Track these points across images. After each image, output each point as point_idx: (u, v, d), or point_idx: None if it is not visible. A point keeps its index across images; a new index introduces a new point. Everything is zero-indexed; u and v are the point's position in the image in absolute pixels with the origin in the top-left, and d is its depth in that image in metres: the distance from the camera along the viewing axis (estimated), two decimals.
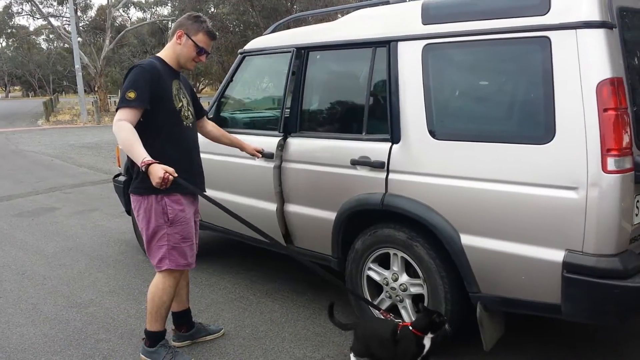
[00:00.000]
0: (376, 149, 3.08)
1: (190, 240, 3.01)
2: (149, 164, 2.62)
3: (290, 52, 3.64)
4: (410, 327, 2.70)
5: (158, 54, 3.04)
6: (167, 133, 2.91)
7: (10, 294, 4.21)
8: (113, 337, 3.43)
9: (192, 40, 2.96)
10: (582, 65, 2.37)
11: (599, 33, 2.35)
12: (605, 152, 2.30)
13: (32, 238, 5.75)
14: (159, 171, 2.62)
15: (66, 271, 4.69)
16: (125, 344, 3.34)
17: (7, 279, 4.54)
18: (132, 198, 2.96)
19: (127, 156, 2.88)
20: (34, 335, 3.50)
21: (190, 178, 2.91)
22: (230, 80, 4.30)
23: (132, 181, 2.94)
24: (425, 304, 2.98)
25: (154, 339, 3.06)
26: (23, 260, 5.02)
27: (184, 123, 3.00)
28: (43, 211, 7.01)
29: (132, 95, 2.73)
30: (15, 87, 77.93)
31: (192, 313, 3.57)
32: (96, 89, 33.31)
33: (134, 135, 2.69)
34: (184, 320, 3.33)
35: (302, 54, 3.57)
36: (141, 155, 2.66)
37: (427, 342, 2.68)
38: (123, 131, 2.69)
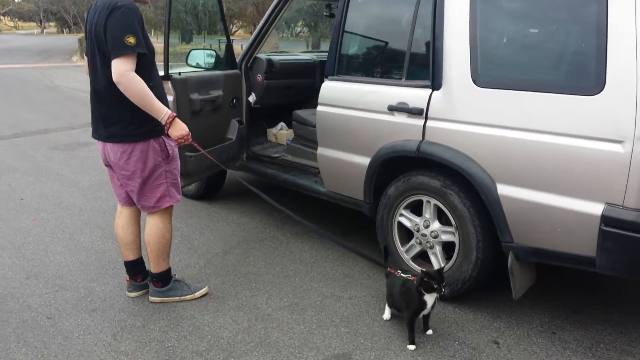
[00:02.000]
0: (415, 95, 3.03)
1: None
2: (174, 117, 2.74)
3: None
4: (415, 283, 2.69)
5: None
6: (155, 76, 2.84)
7: (48, 223, 4.34)
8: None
9: None
10: (638, 15, 2.26)
11: None
12: None
13: (67, 171, 5.89)
14: (184, 127, 2.80)
15: (101, 204, 4.81)
16: None
17: (45, 208, 4.68)
18: (120, 146, 2.79)
19: (98, 105, 2.80)
20: (71, 262, 3.63)
21: None
22: (269, 20, 4.23)
23: (119, 129, 2.76)
24: (456, 251, 2.99)
25: (165, 277, 3.11)
26: (59, 191, 5.16)
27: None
28: (78, 145, 7.14)
29: (132, 40, 2.57)
30: (51, 24, 78.22)
31: (224, 250, 3.66)
32: None
33: (147, 87, 2.64)
34: (139, 269, 3.21)
35: None
36: (163, 109, 2.70)
37: (428, 299, 2.66)
38: (136, 84, 2.60)
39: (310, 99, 4.64)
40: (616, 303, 3.15)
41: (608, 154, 2.35)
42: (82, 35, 35.43)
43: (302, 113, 4.29)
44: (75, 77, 16.46)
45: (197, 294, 3.15)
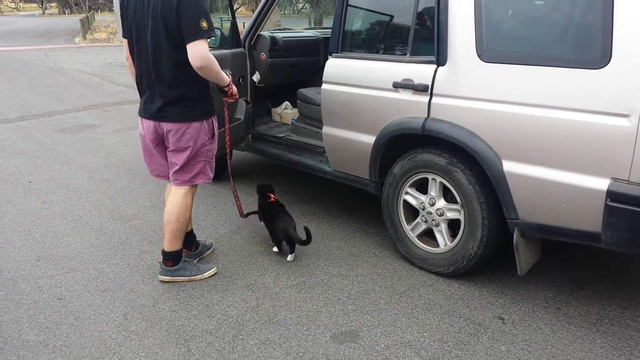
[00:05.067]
0: (420, 71, 3.01)
1: None
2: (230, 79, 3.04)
3: None
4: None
5: None
6: None
7: (57, 205, 4.38)
8: (156, 249, 3.56)
9: None
10: None
11: None
12: None
13: (74, 153, 5.91)
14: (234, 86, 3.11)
15: (109, 186, 4.84)
16: None
17: (53, 191, 4.71)
18: (177, 124, 2.89)
19: (159, 86, 2.85)
20: (80, 244, 3.66)
21: None
22: None
23: (180, 108, 2.88)
24: (462, 229, 3.00)
25: (177, 257, 3.16)
26: (67, 174, 5.19)
27: None
28: (84, 128, 7.15)
29: (205, 25, 2.71)
30: (52, 4, 77.71)
31: (231, 230, 3.68)
32: None
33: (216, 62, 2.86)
34: (193, 238, 3.40)
35: None
36: (226, 76, 2.98)
37: None
38: (215, 64, 2.81)
39: (315, 77, 4.62)
40: (620, 278, 3.16)
41: (614, 128, 2.33)
42: (83, 15, 35.15)
43: (306, 92, 4.28)
44: (79, 58, 16.42)
45: (206, 274, 3.20)
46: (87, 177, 5.10)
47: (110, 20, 35.94)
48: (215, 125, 3.09)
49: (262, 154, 4.44)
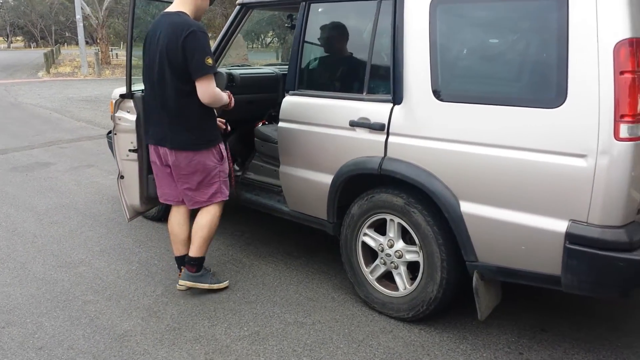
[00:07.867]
0: (377, 110, 2.93)
1: None
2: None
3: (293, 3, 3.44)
4: None
5: (181, 10, 3.01)
6: None
7: None
8: (101, 298, 3.35)
9: None
10: (599, 24, 2.20)
11: None
12: (618, 118, 2.16)
13: (24, 194, 5.65)
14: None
15: (57, 229, 4.60)
16: (113, 306, 3.26)
17: None
18: (185, 153, 3.07)
19: (168, 117, 3.04)
20: (20, 295, 3.42)
21: None
22: (227, 33, 4.09)
23: (187, 137, 3.05)
24: (421, 271, 2.89)
25: (200, 264, 3.34)
26: (14, 217, 4.93)
27: None
28: (38, 166, 6.89)
29: (210, 61, 2.93)
30: (18, 38, 76.95)
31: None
32: (98, 40, 32.70)
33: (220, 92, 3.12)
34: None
35: (302, 6, 3.37)
36: (226, 97, 3.19)
37: None
38: (220, 97, 3.08)
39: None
40: (583, 320, 3.07)
41: (571, 169, 2.27)
42: (49, 49, 34.74)
43: (264, 129, 4.16)
44: (40, 93, 16.07)
45: (222, 285, 3.41)
46: (35, 219, 4.85)
47: (75, 54, 35.60)
48: (223, 148, 3.27)
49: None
